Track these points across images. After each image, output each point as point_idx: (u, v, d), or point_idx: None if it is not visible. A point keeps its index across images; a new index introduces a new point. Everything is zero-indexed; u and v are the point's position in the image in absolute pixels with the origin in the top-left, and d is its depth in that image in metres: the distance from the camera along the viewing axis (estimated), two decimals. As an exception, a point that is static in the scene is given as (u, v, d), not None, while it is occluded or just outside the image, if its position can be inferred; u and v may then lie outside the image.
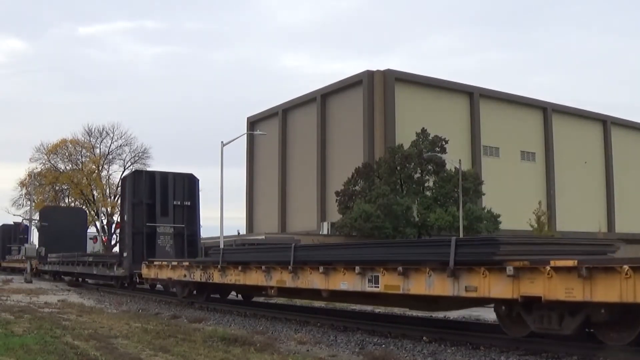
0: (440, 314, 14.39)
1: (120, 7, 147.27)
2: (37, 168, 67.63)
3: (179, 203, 24.45)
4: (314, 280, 12.44)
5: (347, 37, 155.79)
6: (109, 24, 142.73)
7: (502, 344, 10.00)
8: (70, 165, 68.62)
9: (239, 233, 61.17)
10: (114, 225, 65.34)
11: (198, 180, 25.36)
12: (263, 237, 54.31)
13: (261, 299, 19.27)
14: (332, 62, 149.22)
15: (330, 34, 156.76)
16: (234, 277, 15.42)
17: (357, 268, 11.17)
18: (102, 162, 68.74)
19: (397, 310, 15.43)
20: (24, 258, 41.02)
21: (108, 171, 69.93)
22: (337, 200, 53.45)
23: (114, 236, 65.65)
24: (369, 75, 61.62)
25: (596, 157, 77.16)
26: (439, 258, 9.84)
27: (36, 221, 46.96)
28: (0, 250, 54.92)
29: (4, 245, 54.74)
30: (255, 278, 14.52)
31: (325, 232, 58.25)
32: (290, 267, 13.04)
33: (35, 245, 43.78)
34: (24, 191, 67.22)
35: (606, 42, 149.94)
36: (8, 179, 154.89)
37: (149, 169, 70.24)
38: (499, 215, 51.36)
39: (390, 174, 50.69)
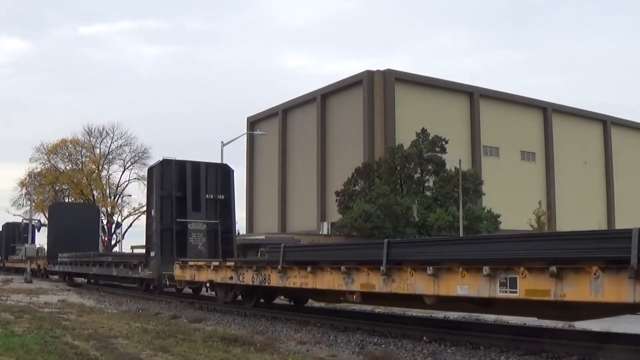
0: (440, 314, 14.39)
1: (121, 7, 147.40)
2: (37, 168, 67.72)
3: (211, 196, 22.27)
4: (416, 283, 10.28)
5: (348, 38, 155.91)
6: (110, 24, 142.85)
7: (502, 343, 10.00)
8: (70, 165, 68.70)
9: (238, 233, 61.13)
10: (114, 225, 65.37)
11: (233, 170, 23.25)
12: (263, 237, 54.30)
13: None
14: (334, 62, 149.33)
15: (332, 34, 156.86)
16: (299, 279, 13.21)
17: (486, 269, 8.97)
18: (102, 162, 68.78)
19: (397, 310, 15.43)
20: (23, 258, 40.64)
21: (108, 171, 70.02)
22: (337, 200, 53.45)
23: (115, 236, 65.69)
24: (369, 75, 61.63)
25: (596, 157, 77.17)
26: (610, 255, 7.74)
27: (36, 221, 46.55)
28: (4, 250, 52.67)
29: (8, 245, 52.30)
30: (329, 281, 12.32)
31: (325, 232, 58.25)
32: (382, 268, 10.74)
33: (36, 245, 43.51)
34: (24, 191, 67.26)
35: (606, 42, 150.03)
36: (8, 179, 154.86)
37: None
38: (499, 215, 51.37)
39: (390, 174, 50.69)
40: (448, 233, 49.06)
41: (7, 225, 56.04)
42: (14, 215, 66.79)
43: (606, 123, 78.33)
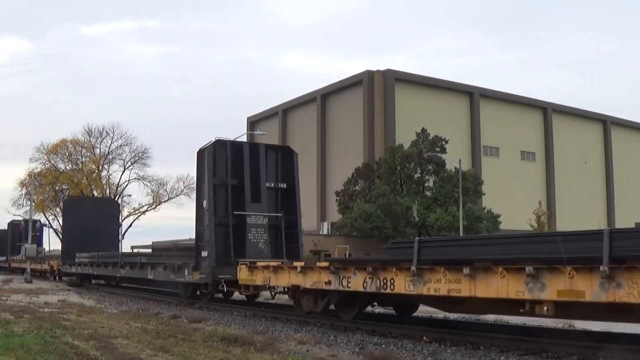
0: (440, 314, 14.38)
1: (123, 7, 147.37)
2: (37, 168, 67.60)
3: (272, 185, 19.25)
4: None
5: (349, 38, 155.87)
6: (111, 24, 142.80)
7: (502, 343, 10.00)
8: (70, 165, 68.58)
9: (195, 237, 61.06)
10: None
11: (296, 154, 20.05)
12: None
13: (261, 298, 18.88)
14: (334, 62, 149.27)
15: (332, 35, 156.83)
16: (444, 285, 10.00)
17: None
18: (102, 162, 68.69)
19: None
20: (23, 258, 40.45)
21: (108, 171, 69.90)
22: (337, 200, 53.43)
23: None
24: (369, 75, 61.62)
25: (596, 157, 77.17)
26: None
27: (36, 220, 46.16)
28: (10, 249, 50.20)
29: (14, 244, 49.59)
30: (499, 287, 9.18)
31: (325, 232, 58.24)
32: (604, 268, 7.81)
33: (35, 245, 43.20)
34: (24, 191, 67.14)
35: (606, 42, 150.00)
36: (8, 179, 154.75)
37: (149, 168, 70.42)
38: (499, 215, 51.36)
39: (390, 174, 50.68)
40: (448, 233, 49.07)
41: (13, 224, 54.01)
42: (14, 215, 66.73)
43: (606, 123, 78.33)
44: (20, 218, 61.86)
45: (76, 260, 30.13)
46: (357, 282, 11.95)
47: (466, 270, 9.54)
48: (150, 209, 68.32)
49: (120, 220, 38.02)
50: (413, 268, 10.50)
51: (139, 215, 67.92)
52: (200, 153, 18.95)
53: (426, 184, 52.08)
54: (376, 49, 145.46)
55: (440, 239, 15.01)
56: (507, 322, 13.34)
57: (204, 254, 18.13)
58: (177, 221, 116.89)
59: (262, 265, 15.26)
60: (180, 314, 16.15)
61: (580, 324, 11.89)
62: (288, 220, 19.12)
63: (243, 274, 15.95)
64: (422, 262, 10.52)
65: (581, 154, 74.25)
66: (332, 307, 13.83)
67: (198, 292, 19.54)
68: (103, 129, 68.59)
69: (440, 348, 10.28)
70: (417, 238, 11.13)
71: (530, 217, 52.15)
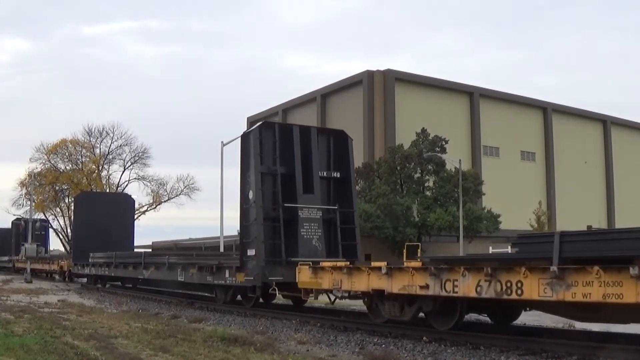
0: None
1: (124, 7, 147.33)
2: (37, 168, 67.61)
3: (324, 174, 17.01)
4: None
5: (350, 38, 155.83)
6: (113, 24, 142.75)
7: (502, 343, 10.00)
8: (70, 165, 68.58)
9: (239, 233, 61.12)
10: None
11: (351, 139, 17.99)
12: (263, 237, 54.22)
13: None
14: (335, 62, 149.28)
15: (334, 35, 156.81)
16: (597, 289, 8.11)
17: None
18: (102, 162, 68.69)
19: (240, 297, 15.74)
20: (23, 258, 40.32)
21: (108, 171, 69.90)
22: (337, 200, 53.39)
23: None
24: (369, 75, 61.59)
25: (596, 157, 77.14)
26: None
27: (36, 220, 45.94)
28: (14, 249, 49.29)
29: (18, 244, 48.34)
30: None
31: (325, 232, 58.23)
32: None
33: (35, 245, 43.06)
34: (24, 191, 67.16)
35: (606, 42, 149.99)
36: (8, 179, 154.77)
37: (149, 168, 70.31)
38: (499, 215, 51.33)
39: (390, 173, 50.65)
40: (448, 233, 49.09)
41: (16, 224, 52.76)
42: (14, 215, 66.72)
43: (606, 123, 78.30)
44: (24, 217, 61.82)
45: (90, 260, 28.04)
46: (467, 286, 9.92)
47: (634, 271, 7.60)
48: (150, 209, 68.36)
49: (135, 217, 34.15)
50: (554, 268, 8.50)
51: (139, 216, 67.88)
52: (245, 137, 16.90)
53: (426, 184, 52.05)
54: (376, 49, 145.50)
55: (589, 232, 10.28)
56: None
57: (251, 252, 15.88)
58: (177, 221, 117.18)
59: (330, 266, 13.25)
60: (180, 314, 16.15)
61: (580, 324, 11.87)
62: (343, 214, 16.85)
63: (304, 276, 13.78)
64: (564, 260, 8.67)
65: (581, 154, 74.21)
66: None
67: (239, 297, 17.53)
68: (103, 129, 68.63)
69: (440, 348, 10.28)
70: (557, 231, 9.29)
71: (530, 217, 52.16)
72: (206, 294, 19.90)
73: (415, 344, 10.67)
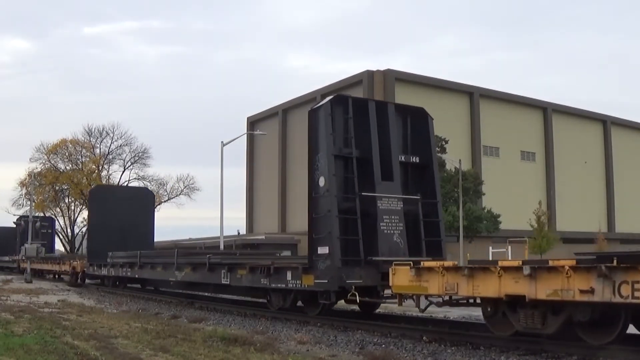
0: (440, 314, 14.39)
1: (125, 7, 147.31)
2: (37, 168, 67.61)
3: (403, 158, 14.68)
4: None
5: (351, 38, 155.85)
6: (114, 24, 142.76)
7: (502, 344, 10.00)
8: (70, 165, 68.62)
9: (239, 233, 61.18)
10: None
11: (432, 118, 15.62)
12: (263, 237, 54.28)
13: (260, 299, 18.49)
14: (335, 62, 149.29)
15: (335, 35, 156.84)
16: None
17: None
18: (102, 162, 68.73)
19: (397, 310, 15.37)
20: (23, 258, 40.09)
21: (108, 171, 69.93)
22: (337, 200, 53.41)
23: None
24: (369, 75, 61.59)
25: (596, 157, 77.12)
26: None
27: (36, 220, 45.66)
28: (18, 248, 45.72)
29: (23, 242, 45.25)
30: None
31: (325, 232, 58.20)
32: None
33: (35, 245, 42.76)
34: (24, 191, 67.18)
35: (606, 42, 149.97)
36: (8, 179, 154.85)
37: (149, 168, 70.28)
38: (499, 215, 51.35)
39: (390, 174, 50.68)
40: (448, 233, 49.00)
41: (22, 221, 50.12)
42: (14, 215, 66.73)
43: (606, 123, 78.30)
44: (29, 216, 61.65)
45: (109, 260, 25.38)
46: None
47: None
48: (150, 209, 68.26)
49: (155, 213, 31.10)
50: None
51: (139, 215, 67.86)
52: (313, 114, 14.46)
53: (426, 184, 52.06)
54: (377, 49, 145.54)
55: None
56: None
57: (323, 250, 13.39)
58: (176, 221, 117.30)
59: (442, 267, 10.71)
60: (180, 314, 16.15)
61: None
62: (426, 206, 14.57)
63: (402, 279, 11.38)
64: None
65: (581, 154, 74.20)
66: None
67: (299, 303, 15.06)
68: (103, 129, 68.67)
69: (440, 348, 10.28)
70: None
71: (530, 217, 52.16)
72: (253, 299, 17.77)
73: (415, 344, 10.67)
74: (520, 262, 9.59)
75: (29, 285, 29.90)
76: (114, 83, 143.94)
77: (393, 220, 13.81)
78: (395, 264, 11.74)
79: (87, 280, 30.07)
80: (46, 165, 68.33)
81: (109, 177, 69.39)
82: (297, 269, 14.21)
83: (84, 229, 72.26)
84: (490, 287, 9.66)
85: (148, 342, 10.61)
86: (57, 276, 36.44)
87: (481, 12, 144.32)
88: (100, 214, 29.28)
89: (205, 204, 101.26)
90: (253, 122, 76.56)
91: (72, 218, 71.29)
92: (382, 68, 62.34)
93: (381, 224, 13.59)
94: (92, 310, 16.93)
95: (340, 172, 13.89)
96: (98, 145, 69.13)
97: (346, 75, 65.58)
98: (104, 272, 26.43)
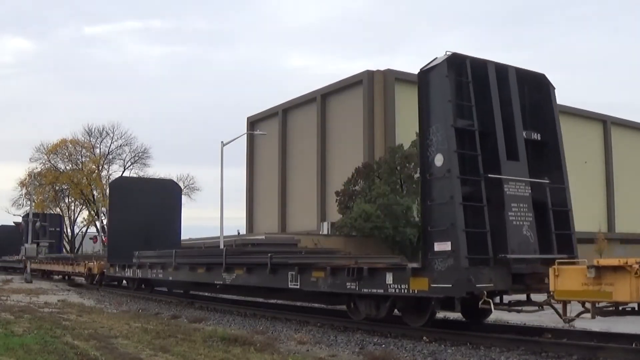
0: (440, 314, 14.37)
1: (127, 7, 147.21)
2: (37, 168, 67.66)
3: (524, 135, 12.30)
4: None
5: (351, 38, 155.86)
6: (115, 24, 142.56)
7: (502, 344, 10.01)
8: (70, 165, 68.66)
9: (239, 233, 61.14)
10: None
11: (553, 87, 13.58)
12: (263, 237, 54.23)
13: (260, 299, 18.16)
14: (335, 62, 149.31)
15: (335, 35, 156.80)
16: None
17: None
18: (102, 162, 68.78)
19: (397, 310, 15.32)
20: (23, 258, 39.96)
21: (108, 171, 69.98)
22: (337, 200, 53.41)
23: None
24: (369, 75, 61.58)
25: (596, 157, 77.11)
26: None
27: (36, 220, 45.50)
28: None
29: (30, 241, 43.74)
30: None
31: (325, 232, 58.22)
32: None
33: (35, 245, 42.63)
34: (24, 191, 67.22)
35: (606, 42, 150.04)
36: (8, 179, 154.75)
37: (149, 168, 70.21)
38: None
39: (390, 174, 50.65)
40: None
41: (26, 221, 47.59)
42: (14, 215, 66.72)
43: (606, 123, 78.28)
44: (19, 218, 61.73)
45: (134, 260, 22.61)
46: None
47: None
48: (150, 209, 68.26)
49: (181, 208, 28.30)
50: None
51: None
52: (425, 76, 11.87)
53: (426, 184, 52.06)
54: (376, 49, 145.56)
55: None
56: (507, 322, 13.33)
57: (443, 246, 10.74)
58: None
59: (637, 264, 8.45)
60: (180, 314, 16.15)
61: (580, 324, 11.88)
62: (554, 192, 12.09)
63: (570, 282, 9.20)
64: None
65: (581, 154, 74.20)
66: None
67: (395, 310, 12.48)
68: (103, 129, 68.73)
69: (440, 348, 10.28)
70: None
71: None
72: (325, 306, 15.56)
73: (415, 344, 10.67)
74: None
75: (29, 285, 29.90)
76: (114, 83, 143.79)
77: (522, 209, 11.40)
78: (558, 263, 9.76)
79: (102, 283, 27.37)
80: (46, 165, 68.40)
81: (108, 177, 69.42)
82: (403, 271, 11.49)
83: (84, 229, 72.53)
84: None
85: (148, 342, 10.62)
86: (67, 278, 34.44)
87: (481, 12, 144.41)
88: (123, 209, 26.19)
89: (205, 204, 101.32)
90: (253, 122, 76.56)
91: (72, 218, 71.37)
92: (382, 68, 62.36)
93: (509, 213, 11.16)
94: (92, 310, 16.93)
95: (461, 149, 11.26)
96: (98, 145, 69.23)
97: (346, 75, 65.65)
98: (128, 273, 23.55)
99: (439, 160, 11.14)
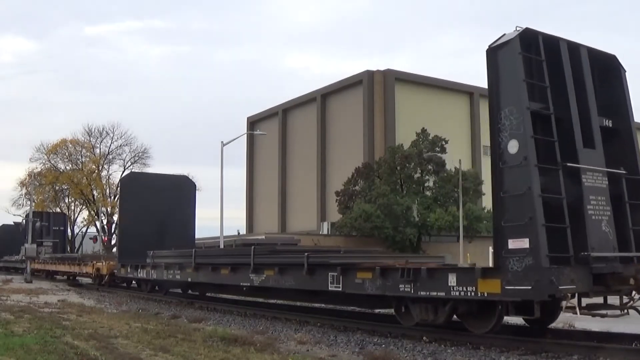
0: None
1: (127, 7, 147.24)
2: (37, 168, 67.79)
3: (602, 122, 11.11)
4: None
5: (350, 38, 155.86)
6: (115, 24, 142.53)
7: (502, 343, 10.00)
8: (70, 165, 68.71)
9: (238, 233, 61.18)
10: (114, 225, 65.31)
11: (625, 71, 11.97)
12: (263, 237, 54.23)
13: (260, 299, 17.84)
14: (335, 62, 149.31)
15: (335, 35, 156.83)
16: None
17: None
18: (102, 162, 68.84)
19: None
20: (23, 258, 39.88)
21: (108, 171, 70.05)
22: (337, 200, 53.44)
23: (114, 236, 65.61)
24: (369, 75, 61.62)
25: None
26: None
27: (36, 220, 45.43)
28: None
29: (33, 240, 41.79)
30: None
31: (325, 232, 58.25)
32: None
33: (34, 245, 42.50)
34: (24, 191, 67.32)
35: (606, 42, 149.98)
36: (8, 179, 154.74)
37: (150, 168, 70.17)
38: (499, 215, 51.27)
39: (390, 174, 50.68)
40: (448, 233, 49.09)
41: (29, 221, 45.92)
42: (14, 215, 66.77)
43: None
44: (20, 218, 61.72)
45: (148, 260, 21.13)
46: None
47: None
48: (150, 209, 68.24)
49: (195, 204, 27.01)
50: None
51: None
52: (494, 54, 10.43)
53: (426, 184, 52.09)
54: (376, 49, 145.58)
55: None
56: (507, 322, 13.33)
57: (519, 243, 9.57)
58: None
59: None
60: (180, 314, 16.15)
61: (581, 324, 11.88)
62: (630, 183, 11.00)
63: None
64: None
65: None
66: None
67: (460, 314, 10.93)
68: (103, 129, 68.84)
69: (440, 348, 10.28)
70: None
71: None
72: (366, 310, 14.48)
73: (415, 344, 10.67)
74: None
75: (29, 285, 29.91)
76: (114, 83, 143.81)
77: (600, 202, 10.27)
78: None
79: (112, 284, 26.47)
80: (46, 165, 68.50)
81: (109, 177, 69.60)
82: (471, 272, 10.29)
83: (84, 229, 72.57)
84: None
85: (148, 342, 10.62)
86: (71, 277, 33.71)
87: (481, 12, 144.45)
88: (134, 207, 24.95)
89: (205, 204, 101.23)
90: (253, 122, 76.59)
91: (72, 218, 71.39)
92: (382, 68, 62.39)
93: (588, 206, 10.04)
94: (92, 310, 16.94)
95: (538, 135, 10.08)
96: (98, 145, 69.31)
97: (346, 75, 65.69)
98: (142, 274, 22.09)
99: (513, 146, 9.96)
